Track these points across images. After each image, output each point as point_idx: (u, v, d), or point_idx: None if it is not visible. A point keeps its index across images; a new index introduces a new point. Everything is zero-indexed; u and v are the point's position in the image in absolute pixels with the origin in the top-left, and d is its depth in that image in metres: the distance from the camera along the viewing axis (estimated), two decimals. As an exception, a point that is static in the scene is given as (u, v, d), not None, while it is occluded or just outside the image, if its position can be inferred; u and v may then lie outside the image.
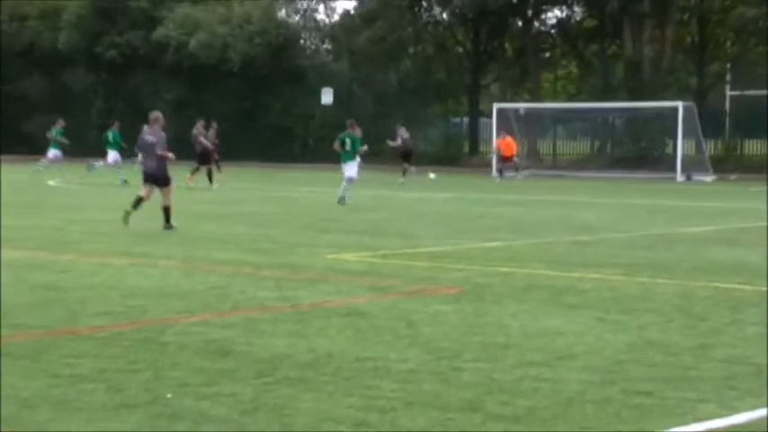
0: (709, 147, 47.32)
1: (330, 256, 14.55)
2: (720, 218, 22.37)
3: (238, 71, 55.33)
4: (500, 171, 41.90)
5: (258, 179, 38.73)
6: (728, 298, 11.04)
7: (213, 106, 59.44)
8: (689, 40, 54.76)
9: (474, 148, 55.45)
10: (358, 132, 26.04)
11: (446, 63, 58.92)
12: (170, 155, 18.53)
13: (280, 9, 60.16)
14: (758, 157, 48.65)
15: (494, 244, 16.52)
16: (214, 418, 6.42)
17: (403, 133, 39.23)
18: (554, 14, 56.34)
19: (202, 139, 33.22)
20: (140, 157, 19.96)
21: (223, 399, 6.80)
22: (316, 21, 61.26)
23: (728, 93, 56.28)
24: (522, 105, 50.06)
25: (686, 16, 53.61)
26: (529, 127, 51.02)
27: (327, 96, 53.78)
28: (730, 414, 6.56)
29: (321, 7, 61.26)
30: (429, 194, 30.42)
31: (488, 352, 8.27)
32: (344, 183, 25.16)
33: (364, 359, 7.95)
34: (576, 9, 55.99)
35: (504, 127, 44.69)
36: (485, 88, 59.96)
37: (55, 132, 38.45)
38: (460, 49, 58.86)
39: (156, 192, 18.48)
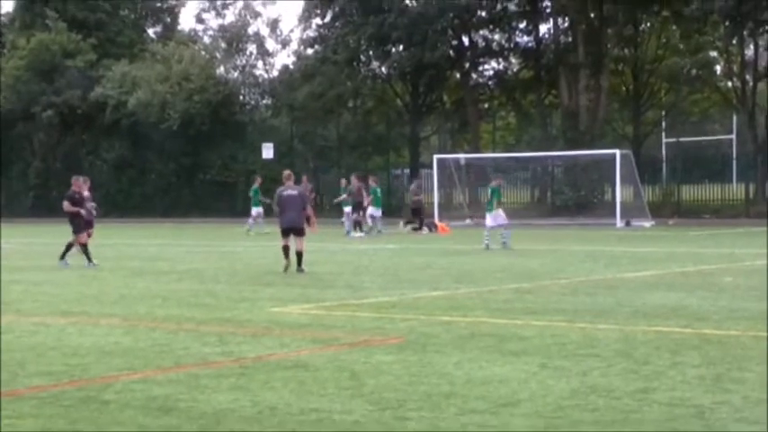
0: (647, 193, 47.97)
1: (273, 310, 14.51)
2: (660, 262, 22.62)
3: (178, 128, 55.21)
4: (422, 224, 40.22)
5: (200, 235, 38.53)
6: (669, 341, 11.14)
7: (153, 164, 59.38)
8: (624, 89, 55.72)
9: (416, 200, 55.57)
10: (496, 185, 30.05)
11: (386, 116, 59.34)
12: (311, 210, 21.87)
13: (218, 66, 60.24)
14: (695, 202, 49.42)
15: (438, 293, 16.56)
16: (157, 475, 6.36)
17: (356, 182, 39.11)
18: (491, 66, 57.23)
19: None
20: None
21: (166, 456, 6.73)
22: (255, 77, 61.44)
23: (664, 140, 57.30)
24: (462, 156, 50.43)
25: (620, 66, 54.56)
26: (470, 177, 51.41)
27: (268, 151, 53.87)
28: (672, 455, 6.63)
29: (260, 63, 61.53)
30: (374, 246, 30.45)
31: (432, 401, 8.27)
32: (503, 231, 28.22)
33: (308, 411, 7.93)
34: (513, 60, 56.86)
35: (446, 177, 44.56)
36: (425, 140, 60.40)
37: (253, 191, 39.69)
38: (399, 102, 59.36)
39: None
